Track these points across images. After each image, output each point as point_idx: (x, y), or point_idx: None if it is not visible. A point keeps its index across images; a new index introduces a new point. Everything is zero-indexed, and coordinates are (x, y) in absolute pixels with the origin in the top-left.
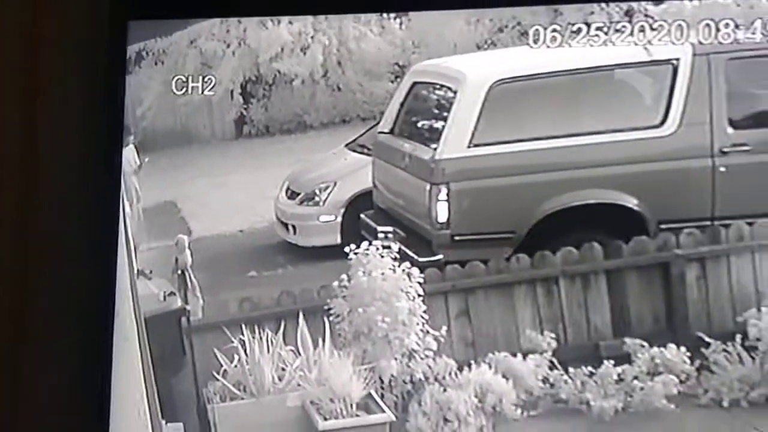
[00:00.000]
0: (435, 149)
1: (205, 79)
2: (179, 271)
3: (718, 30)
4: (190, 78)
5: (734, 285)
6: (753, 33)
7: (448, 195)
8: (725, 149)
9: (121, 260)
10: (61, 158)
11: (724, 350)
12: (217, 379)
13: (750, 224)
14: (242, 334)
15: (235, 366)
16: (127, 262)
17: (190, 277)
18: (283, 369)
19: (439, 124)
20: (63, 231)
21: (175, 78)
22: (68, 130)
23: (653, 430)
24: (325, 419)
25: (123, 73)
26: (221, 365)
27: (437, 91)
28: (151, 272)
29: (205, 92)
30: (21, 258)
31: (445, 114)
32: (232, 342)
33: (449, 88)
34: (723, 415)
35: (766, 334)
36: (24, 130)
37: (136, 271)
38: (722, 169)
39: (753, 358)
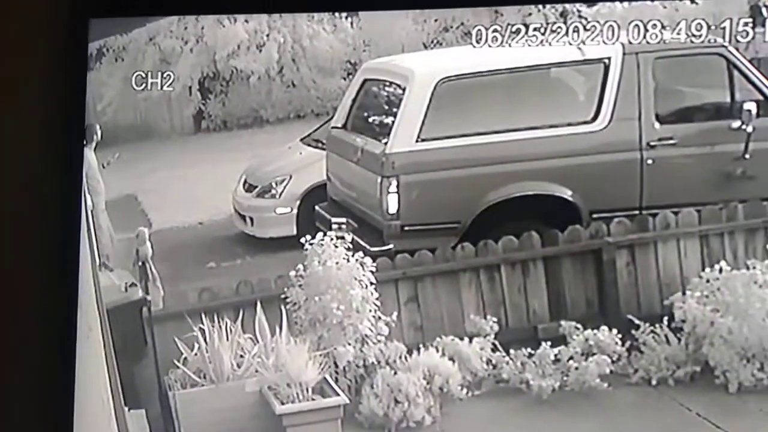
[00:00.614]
0: (385, 143)
1: (164, 75)
2: (140, 263)
3: (646, 30)
4: (149, 74)
5: (661, 270)
6: (678, 33)
7: (397, 187)
8: (653, 143)
9: (83, 253)
10: (24, 154)
11: (653, 332)
12: (178, 367)
13: (676, 213)
14: (202, 323)
15: (195, 354)
16: (90, 254)
17: (150, 269)
18: (242, 356)
19: (389, 120)
20: (26, 225)
21: (135, 74)
22: (31, 126)
23: (588, 407)
24: (282, 403)
25: (85, 69)
26: (182, 353)
27: (387, 88)
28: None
29: (164, 88)
30: None
31: (395, 110)
32: (192, 331)
33: (398, 85)
34: (651, 392)
35: (690, 316)
36: None
37: (98, 264)
38: (650, 161)
39: (679, 339)
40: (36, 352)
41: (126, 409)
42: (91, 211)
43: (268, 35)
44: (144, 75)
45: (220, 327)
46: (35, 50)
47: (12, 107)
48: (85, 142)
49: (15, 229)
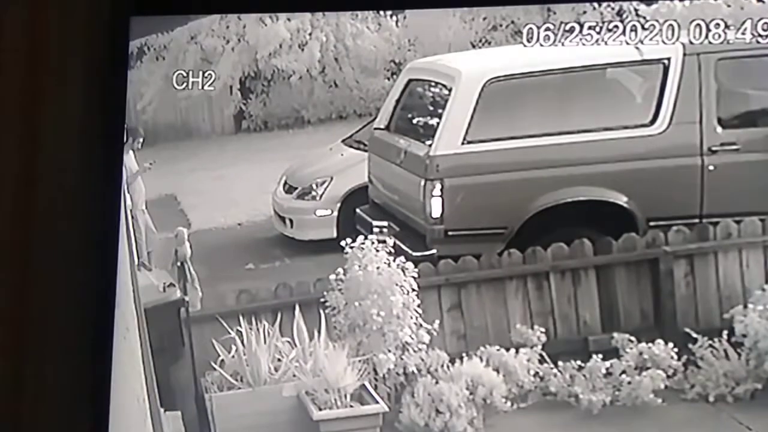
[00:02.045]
0: (429, 145)
1: (205, 75)
2: (179, 263)
3: (708, 30)
4: (190, 73)
5: (721, 282)
6: (743, 33)
7: (442, 191)
8: (714, 148)
9: (122, 252)
10: (64, 153)
11: (711, 346)
12: (215, 369)
13: (738, 222)
14: (240, 326)
15: (233, 356)
16: (128, 254)
17: (189, 269)
18: (280, 360)
19: (433, 121)
20: (65, 224)
21: (176, 73)
22: (71, 124)
23: (640, 423)
24: (320, 409)
25: (125, 68)
26: (219, 355)
27: (432, 89)
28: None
29: (205, 87)
30: (25, 251)
31: (440, 111)
32: (230, 333)
33: (444, 86)
34: (708, 409)
35: (752, 331)
36: (26, 126)
37: (136, 263)
38: (711, 167)
39: (739, 355)
40: (73, 351)
41: (162, 410)
42: (131, 211)
43: (310, 34)
44: (185, 74)
45: (258, 330)
46: (76, 48)
47: (53, 105)
48: (126, 143)
49: (55, 228)
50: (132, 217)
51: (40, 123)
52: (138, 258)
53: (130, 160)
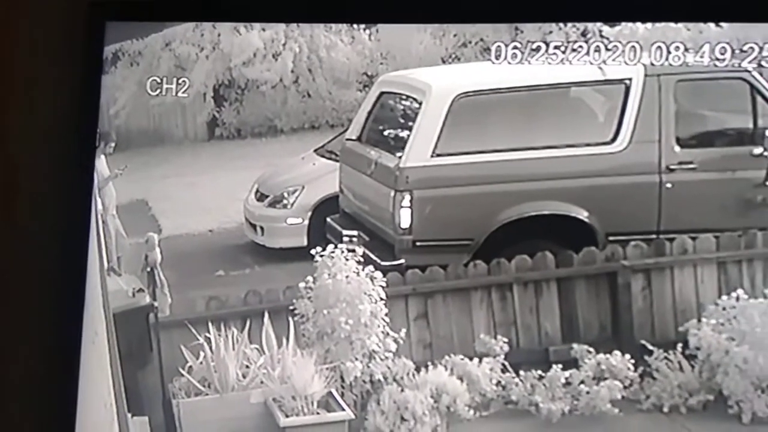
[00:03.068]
0: (400, 157)
1: (179, 82)
2: (148, 269)
3: (669, 52)
4: (164, 79)
5: (677, 296)
6: (701, 56)
7: (411, 202)
8: (672, 166)
9: (92, 257)
10: (35, 156)
11: (666, 358)
12: (183, 375)
13: (693, 238)
14: (208, 332)
15: (201, 362)
16: (98, 258)
17: (159, 275)
18: (248, 366)
19: (404, 134)
20: (35, 228)
21: (150, 79)
22: (43, 128)
23: None
24: (287, 416)
25: (100, 73)
26: (187, 361)
27: (403, 102)
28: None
29: (179, 94)
30: None
31: (411, 124)
32: (198, 339)
33: (415, 99)
34: (663, 419)
35: (705, 344)
36: None
37: (106, 268)
38: (668, 185)
39: (692, 367)
40: (41, 354)
41: (129, 415)
42: (101, 215)
43: (284, 44)
44: (159, 80)
45: (226, 336)
46: (50, 52)
47: (25, 109)
48: (98, 148)
49: (23, 232)
50: (102, 222)
51: (11, 126)
52: (107, 263)
53: (101, 164)
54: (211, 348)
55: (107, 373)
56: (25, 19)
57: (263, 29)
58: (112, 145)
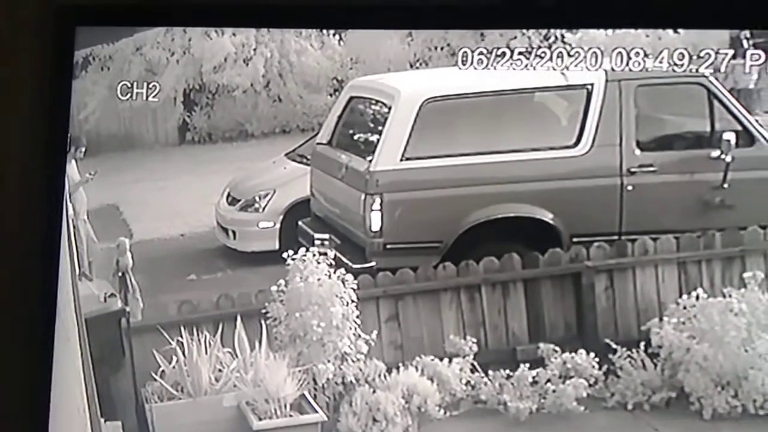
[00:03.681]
0: (370, 161)
1: (150, 86)
2: (120, 273)
3: (629, 58)
4: (134, 84)
5: (639, 295)
6: (660, 62)
7: (381, 205)
8: (633, 169)
9: (63, 262)
10: (6, 161)
11: (629, 356)
12: (156, 380)
13: (654, 239)
14: (181, 336)
15: (173, 367)
16: (70, 263)
17: (130, 279)
18: (220, 370)
19: (374, 138)
20: (6, 233)
21: (120, 83)
22: (14, 133)
23: (564, 430)
24: (260, 419)
25: (70, 77)
26: (160, 366)
27: (373, 106)
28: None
29: (149, 98)
30: None
31: (380, 128)
32: (171, 343)
33: (384, 104)
34: (627, 416)
35: (667, 342)
36: None
37: (78, 273)
38: (630, 187)
39: (655, 364)
40: (12, 360)
41: (102, 420)
42: (72, 220)
43: (255, 49)
44: (129, 85)
45: (199, 340)
46: (20, 57)
47: None
48: (68, 152)
49: None
50: (73, 227)
51: None
52: (79, 268)
53: (72, 169)
54: (183, 352)
55: (80, 378)
56: None
57: (234, 34)
58: (83, 149)
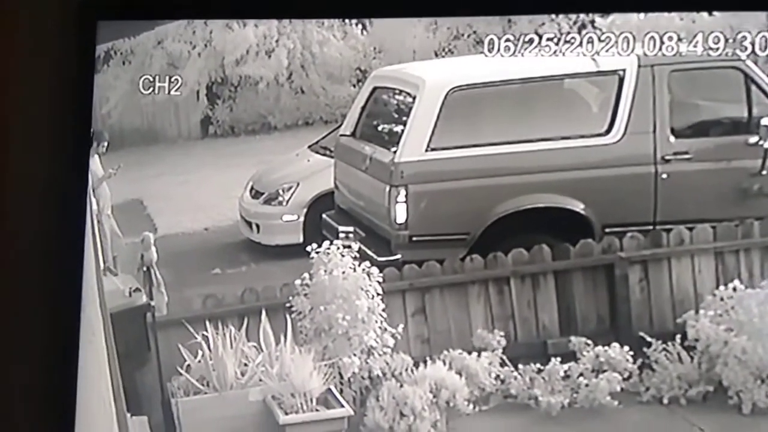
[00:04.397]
0: (395, 152)
1: (172, 80)
2: (144, 268)
3: (662, 42)
4: (156, 78)
5: (674, 287)
6: (695, 46)
7: (406, 197)
8: (667, 157)
9: (88, 257)
10: (30, 156)
11: (665, 349)
12: (181, 374)
13: (690, 229)
14: (206, 330)
15: (199, 361)
16: (94, 258)
17: (155, 274)
18: (246, 364)
19: (398, 128)
20: (31, 229)
21: (142, 78)
22: (37, 128)
23: (597, 425)
24: (286, 413)
25: (92, 72)
26: (185, 360)
27: (397, 96)
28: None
29: (171, 92)
30: None
31: (405, 118)
32: (196, 338)
33: (408, 94)
34: (662, 411)
35: (704, 335)
36: None
37: (102, 268)
38: (664, 176)
39: (691, 358)
40: (39, 355)
41: (128, 414)
42: (96, 215)
43: (277, 41)
44: (151, 79)
45: (224, 334)
46: (43, 51)
47: (18, 108)
48: (92, 148)
49: (20, 233)
50: (97, 222)
51: (4, 127)
52: (104, 263)
53: (95, 164)
54: (209, 346)
55: (106, 373)
56: (16, 19)
57: (256, 26)
58: (105, 144)
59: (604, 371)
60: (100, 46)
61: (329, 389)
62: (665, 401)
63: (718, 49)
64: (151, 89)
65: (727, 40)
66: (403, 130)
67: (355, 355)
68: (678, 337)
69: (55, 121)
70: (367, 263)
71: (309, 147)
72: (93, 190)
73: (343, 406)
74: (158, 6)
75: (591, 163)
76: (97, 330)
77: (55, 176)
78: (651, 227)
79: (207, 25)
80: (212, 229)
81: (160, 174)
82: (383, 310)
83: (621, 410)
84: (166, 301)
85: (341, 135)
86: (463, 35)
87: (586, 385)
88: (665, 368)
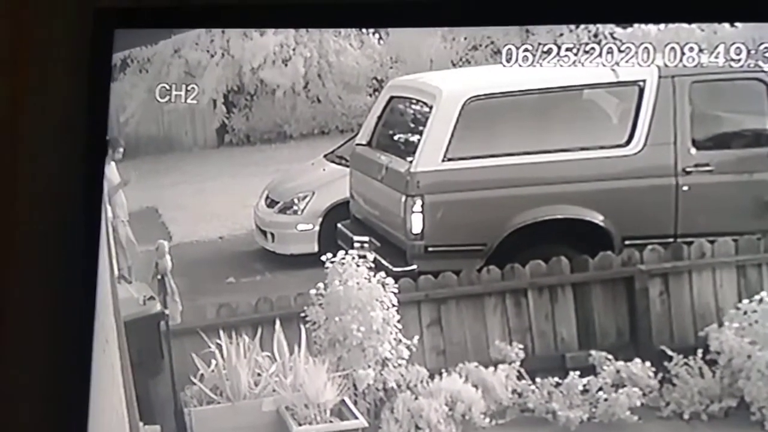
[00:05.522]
0: (411, 162)
1: (189, 88)
2: (159, 276)
3: (683, 53)
4: (173, 86)
5: (696, 300)
6: (716, 57)
7: (422, 207)
8: (688, 169)
9: (102, 265)
10: (45, 164)
11: (686, 364)
12: (194, 383)
13: (711, 242)
14: (219, 339)
15: (212, 370)
16: (108, 266)
17: (169, 282)
18: (259, 374)
19: (414, 138)
20: (46, 236)
21: (159, 86)
22: (53, 135)
23: None
24: (300, 424)
25: (109, 80)
26: (198, 369)
27: (413, 106)
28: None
29: (188, 101)
30: (2, 262)
31: (421, 128)
32: (210, 347)
33: (425, 103)
34: (683, 427)
35: (726, 349)
36: (7, 137)
37: (117, 276)
38: (685, 188)
39: (713, 372)
40: (52, 363)
41: (141, 424)
42: (111, 223)
43: (294, 50)
44: (168, 87)
45: (237, 344)
46: (59, 60)
47: (34, 117)
48: (107, 156)
49: (35, 239)
50: (113, 229)
51: (21, 134)
52: (118, 270)
53: (111, 172)
54: (222, 356)
55: (118, 382)
56: (33, 26)
57: (274, 33)
58: (121, 151)
59: (624, 386)
60: (117, 54)
61: (343, 400)
62: (686, 416)
63: (740, 60)
64: (168, 98)
65: (749, 52)
66: (419, 140)
67: (369, 366)
68: (699, 351)
69: (70, 129)
70: (383, 273)
71: (325, 156)
72: (108, 198)
73: (357, 417)
74: (175, 15)
75: (611, 174)
76: (111, 338)
77: (71, 183)
78: (672, 240)
79: (224, 33)
80: (227, 238)
81: (175, 182)
82: (398, 321)
83: (641, 425)
84: (180, 310)
85: (357, 144)
86: (480, 45)
87: (605, 400)
88: (686, 383)
